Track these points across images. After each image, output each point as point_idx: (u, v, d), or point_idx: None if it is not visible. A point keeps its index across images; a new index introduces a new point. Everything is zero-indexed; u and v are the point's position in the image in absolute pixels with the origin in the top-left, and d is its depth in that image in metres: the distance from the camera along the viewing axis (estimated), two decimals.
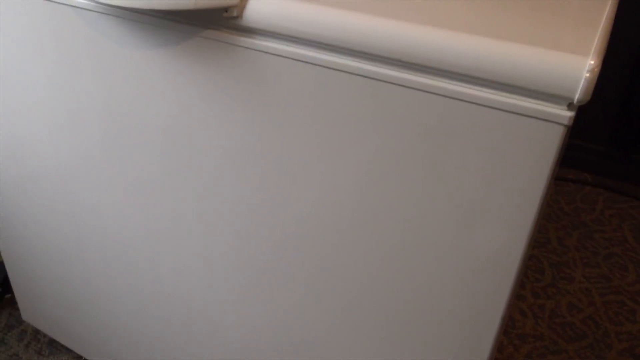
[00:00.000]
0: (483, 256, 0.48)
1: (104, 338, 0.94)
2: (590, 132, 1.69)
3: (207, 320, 0.74)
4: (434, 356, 0.56)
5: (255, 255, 0.63)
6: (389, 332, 0.58)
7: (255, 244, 0.62)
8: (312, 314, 0.63)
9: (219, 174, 0.60)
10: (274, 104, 0.52)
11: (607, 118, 1.66)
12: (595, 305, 1.27)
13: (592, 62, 0.38)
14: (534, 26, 0.43)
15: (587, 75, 0.38)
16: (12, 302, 1.16)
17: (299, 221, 0.57)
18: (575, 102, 0.39)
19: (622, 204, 1.62)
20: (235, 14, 0.49)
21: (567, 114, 0.40)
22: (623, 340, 1.18)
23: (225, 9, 0.49)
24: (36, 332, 1.11)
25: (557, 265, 1.38)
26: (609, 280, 1.34)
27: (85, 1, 0.58)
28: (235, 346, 0.74)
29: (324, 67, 0.47)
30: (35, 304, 1.01)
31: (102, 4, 0.56)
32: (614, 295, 1.30)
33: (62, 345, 1.08)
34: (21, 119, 0.74)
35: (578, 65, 0.38)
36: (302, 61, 0.48)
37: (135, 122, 0.63)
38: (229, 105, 0.55)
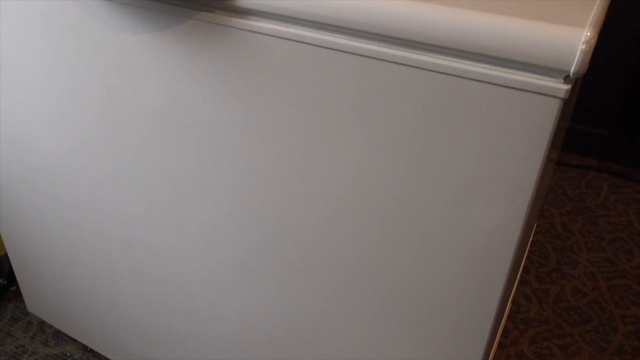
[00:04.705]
0: (480, 235, 0.48)
1: (108, 327, 0.94)
2: (595, 117, 1.68)
3: (208, 304, 0.74)
4: (431, 338, 0.56)
5: (253, 236, 0.63)
6: (384, 313, 0.58)
7: (252, 224, 0.62)
8: (308, 295, 0.63)
9: (216, 157, 0.60)
10: (269, 85, 0.52)
11: (612, 103, 1.64)
12: (600, 289, 1.26)
13: (589, 33, 0.38)
14: None
15: (583, 47, 0.38)
16: (17, 295, 1.17)
17: (294, 202, 0.57)
18: (571, 74, 0.38)
19: (627, 189, 1.61)
20: None
21: (564, 87, 0.39)
22: (629, 323, 1.18)
23: None
24: (42, 323, 1.12)
25: (562, 250, 1.37)
26: (614, 265, 1.33)
27: None
28: (236, 329, 0.74)
29: (319, 46, 0.47)
30: (40, 296, 1.02)
31: None
32: (619, 279, 1.29)
33: (68, 336, 1.09)
34: (20, 110, 0.74)
35: (574, 37, 0.38)
36: (297, 41, 0.48)
37: (132, 107, 0.63)
38: (224, 87, 0.54)
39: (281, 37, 0.48)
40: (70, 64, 0.64)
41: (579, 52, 0.38)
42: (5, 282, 1.15)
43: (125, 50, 0.59)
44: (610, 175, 1.67)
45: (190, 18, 0.52)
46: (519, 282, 1.27)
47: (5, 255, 1.14)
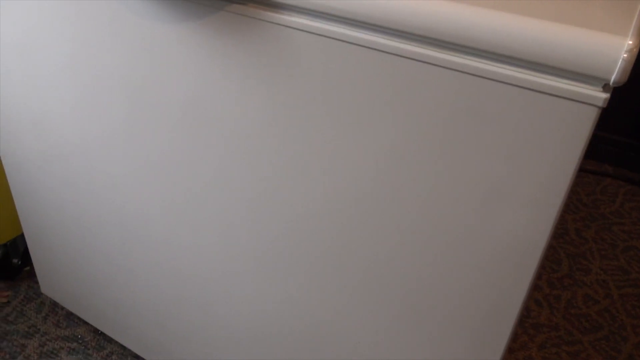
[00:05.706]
0: (508, 240, 0.47)
1: (120, 312, 0.95)
2: (612, 123, 1.66)
3: (222, 297, 0.75)
4: (450, 340, 0.56)
5: (271, 230, 0.63)
6: (404, 315, 0.58)
7: (271, 219, 0.62)
8: (328, 292, 0.63)
9: (239, 150, 0.60)
10: (297, 80, 0.51)
11: (630, 109, 1.62)
12: (611, 297, 1.26)
13: (631, 42, 0.37)
14: (571, 5, 0.42)
15: (625, 55, 0.37)
16: (31, 275, 1.18)
17: (317, 199, 0.57)
18: (611, 83, 0.38)
19: None
20: None
21: (602, 96, 0.39)
22: None
23: None
24: (54, 304, 1.13)
25: (575, 256, 1.37)
26: (627, 273, 1.32)
27: None
28: (251, 323, 0.74)
29: (351, 43, 0.47)
30: (54, 277, 1.03)
31: None
32: (632, 288, 1.28)
33: (80, 318, 1.10)
34: (42, 94, 0.75)
35: (616, 46, 0.37)
36: (328, 37, 0.47)
37: (156, 96, 0.63)
38: (251, 80, 0.54)
39: (314, 33, 0.48)
40: (97, 52, 0.64)
41: (620, 60, 0.37)
42: (19, 262, 1.16)
43: (154, 39, 0.58)
44: (626, 182, 1.65)
45: (221, 9, 0.52)
46: None
47: (21, 236, 1.15)
